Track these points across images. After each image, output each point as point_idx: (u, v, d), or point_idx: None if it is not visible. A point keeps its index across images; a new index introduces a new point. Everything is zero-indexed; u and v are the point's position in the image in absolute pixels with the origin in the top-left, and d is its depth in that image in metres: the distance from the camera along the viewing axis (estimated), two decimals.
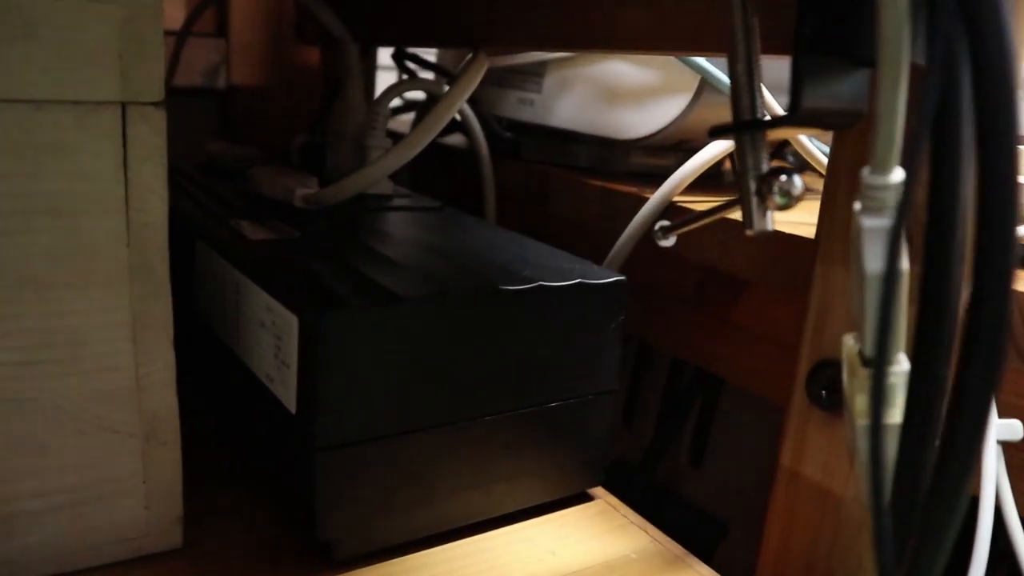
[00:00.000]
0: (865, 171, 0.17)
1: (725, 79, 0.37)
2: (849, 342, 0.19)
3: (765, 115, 0.20)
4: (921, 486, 0.16)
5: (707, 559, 0.29)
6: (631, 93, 0.41)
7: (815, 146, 0.38)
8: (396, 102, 0.46)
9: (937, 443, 0.16)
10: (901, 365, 0.18)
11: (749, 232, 0.20)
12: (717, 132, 0.20)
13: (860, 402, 0.19)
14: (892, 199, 0.17)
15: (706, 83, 0.38)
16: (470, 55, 0.37)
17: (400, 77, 0.60)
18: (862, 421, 0.18)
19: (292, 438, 0.26)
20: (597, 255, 0.33)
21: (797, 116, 0.18)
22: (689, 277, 0.38)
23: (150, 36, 0.23)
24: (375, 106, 0.41)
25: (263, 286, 0.27)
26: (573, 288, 0.29)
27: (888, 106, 0.16)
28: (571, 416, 0.30)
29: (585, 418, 0.31)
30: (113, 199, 0.23)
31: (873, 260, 0.17)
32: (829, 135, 0.42)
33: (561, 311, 0.29)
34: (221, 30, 0.66)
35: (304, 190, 0.37)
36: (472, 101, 0.47)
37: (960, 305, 0.16)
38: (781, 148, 0.42)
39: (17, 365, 0.22)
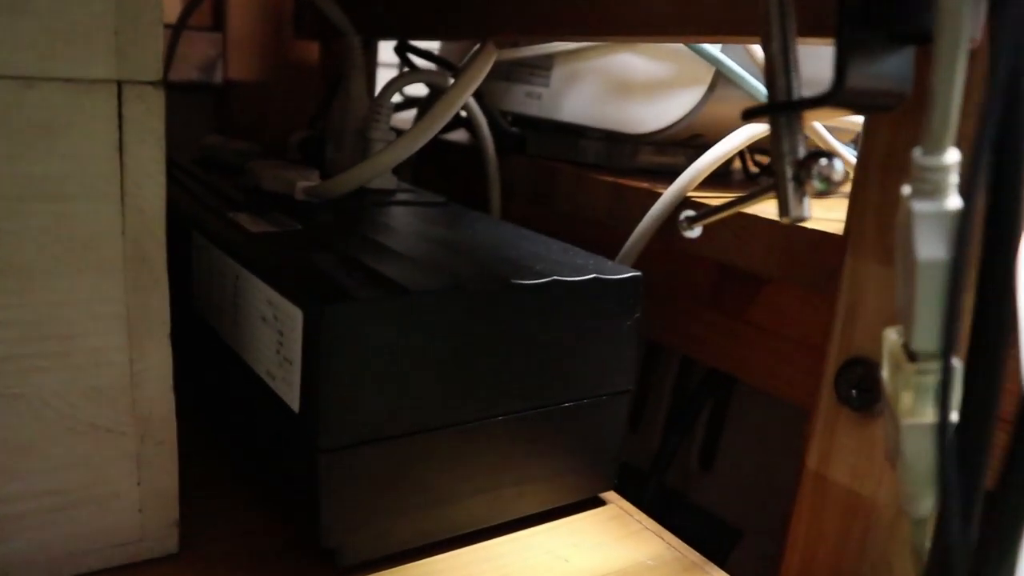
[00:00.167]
0: (917, 152, 0.16)
1: (741, 71, 0.36)
2: (892, 336, 0.18)
3: (801, 96, 0.19)
4: (980, 486, 0.15)
5: (719, 566, 0.28)
6: (643, 86, 0.40)
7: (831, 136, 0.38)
8: (396, 98, 0.45)
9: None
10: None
11: (784, 219, 0.19)
12: (751, 114, 0.19)
13: (906, 400, 0.17)
14: (947, 181, 0.16)
15: (721, 75, 0.37)
16: (477, 46, 0.36)
17: (401, 71, 0.58)
18: (909, 420, 0.17)
19: (294, 439, 0.25)
20: (607, 253, 0.32)
21: (840, 96, 0.17)
22: (704, 274, 0.37)
23: (148, 12, 0.21)
24: (379, 98, 0.40)
25: (264, 278, 0.26)
26: (589, 283, 0.27)
27: (945, 82, 0.15)
28: (585, 417, 0.29)
29: (599, 419, 0.30)
30: (107, 183, 0.22)
31: (927, 247, 0.16)
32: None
33: (576, 307, 0.27)
34: (218, 24, 0.64)
35: (305, 183, 0.36)
36: (477, 95, 0.46)
37: (1020, 296, 0.15)
38: None
39: (3, 359, 0.21)
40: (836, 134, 0.40)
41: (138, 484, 0.24)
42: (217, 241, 0.30)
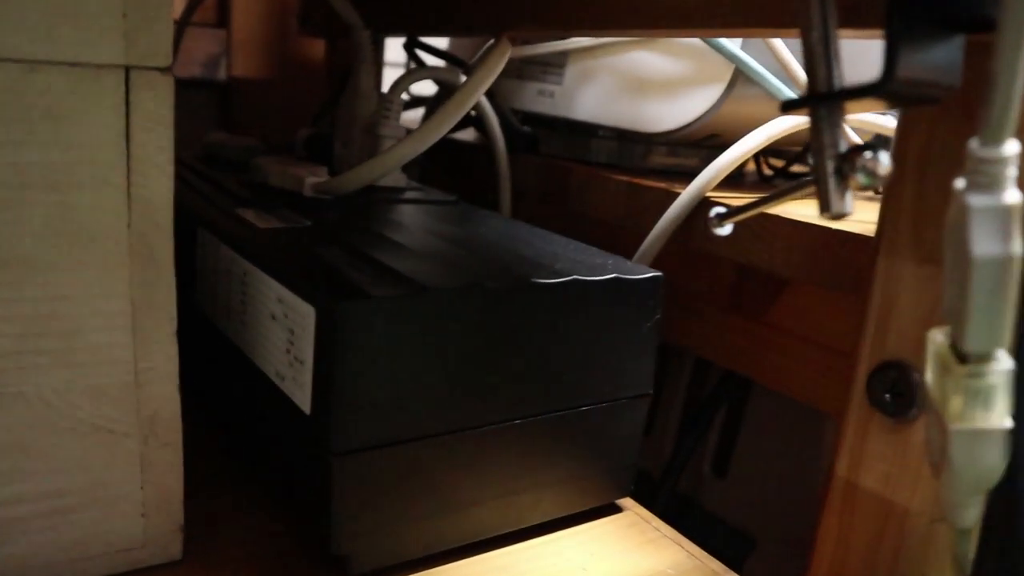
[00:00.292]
0: (974, 143, 0.15)
1: (761, 69, 0.35)
2: (938, 338, 0.17)
3: (843, 87, 0.18)
4: None
5: None
6: (660, 84, 0.39)
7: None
8: (403, 97, 0.44)
9: None
10: (1002, 363, 0.16)
11: (826, 215, 0.18)
12: (791, 106, 0.18)
13: (955, 404, 0.17)
14: (1006, 173, 0.15)
15: (740, 73, 0.36)
16: (492, 41, 0.35)
17: (409, 70, 0.58)
18: (958, 425, 0.16)
19: (305, 441, 0.24)
20: (619, 254, 0.31)
21: (890, 85, 0.16)
22: (722, 275, 0.36)
23: None
24: (390, 94, 0.39)
25: (274, 275, 0.25)
26: (609, 283, 0.27)
27: (1008, 70, 0.14)
28: (603, 421, 0.28)
29: (617, 423, 0.29)
30: (113, 173, 0.21)
31: (984, 243, 0.15)
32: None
33: (595, 308, 0.27)
34: (222, 20, 0.64)
35: (314, 179, 0.35)
36: (487, 94, 0.45)
37: None
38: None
39: (2, 355, 0.20)
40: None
41: (141, 488, 0.23)
42: (223, 238, 0.29)
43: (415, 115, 0.58)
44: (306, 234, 0.29)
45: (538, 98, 0.46)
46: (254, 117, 0.65)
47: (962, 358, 0.16)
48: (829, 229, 0.30)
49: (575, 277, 0.26)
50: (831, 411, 0.31)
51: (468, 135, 0.53)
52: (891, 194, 0.23)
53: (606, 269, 0.27)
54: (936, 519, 0.23)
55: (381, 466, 0.23)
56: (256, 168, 0.38)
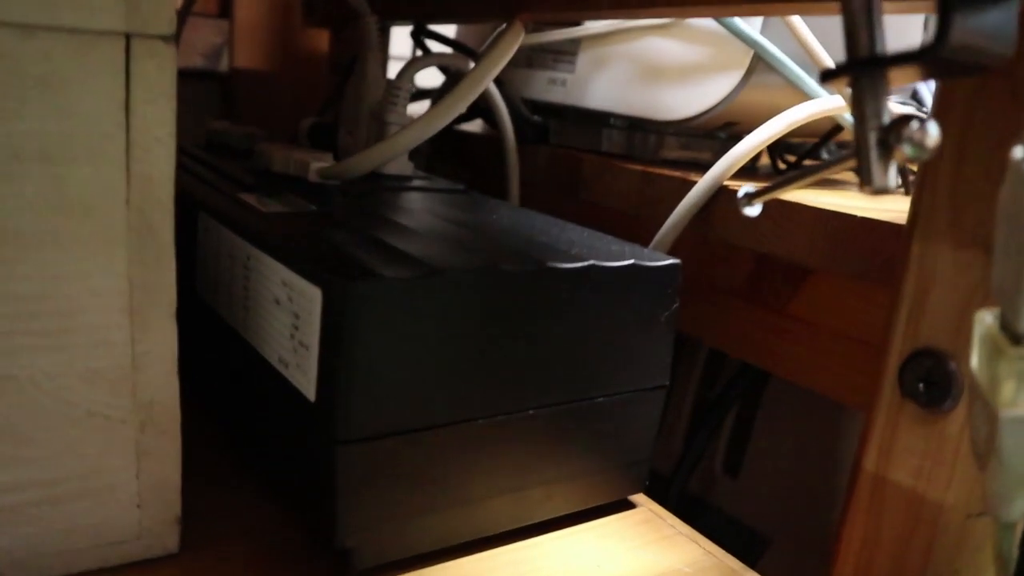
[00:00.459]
0: None
1: (781, 55, 0.34)
2: (987, 320, 0.16)
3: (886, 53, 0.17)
4: None
5: None
6: (677, 71, 0.38)
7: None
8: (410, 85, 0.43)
9: None
10: None
11: (867, 190, 0.17)
12: (831, 75, 0.17)
13: (1007, 389, 0.16)
14: None
15: (759, 60, 0.35)
16: (503, 26, 0.34)
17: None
18: (1011, 411, 0.15)
19: (309, 430, 0.23)
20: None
21: (942, 50, 0.15)
22: (740, 265, 0.35)
23: None
24: (397, 80, 0.38)
25: (279, 258, 0.24)
26: (627, 269, 0.26)
27: None
28: (618, 413, 0.27)
29: (633, 416, 0.28)
30: (111, 146, 0.20)
31: None
32: None
33: (613, 295, 0.25)
34: (224, 10, 0.63)
35: (320, 163, 0.34)
36: (496, 82, 0.44)
37: None
38: (829, 136, 0.39)
39: None
40: None
41: (137, 477, 0.22)
42: (226, 221, 0.28)
43: (420, 108, 0.57)
44: (311, 218, 0.28)
45: (549, 87, 0.45)
46: (256, 109, 0.64)
47: (1016, 339, 0.15)
48: (856, 217, 0.29)
49: (593, 262, 0.25)
50: (855, 404, 0.30)
51: (475, 127, 0.52)
52: (927, 175, 0.22)
53: (623, 255, 0.26)
54: (972, 514, 0.22)
55: (388, 456, 0.22)
56: (260, 154, 0.37)
